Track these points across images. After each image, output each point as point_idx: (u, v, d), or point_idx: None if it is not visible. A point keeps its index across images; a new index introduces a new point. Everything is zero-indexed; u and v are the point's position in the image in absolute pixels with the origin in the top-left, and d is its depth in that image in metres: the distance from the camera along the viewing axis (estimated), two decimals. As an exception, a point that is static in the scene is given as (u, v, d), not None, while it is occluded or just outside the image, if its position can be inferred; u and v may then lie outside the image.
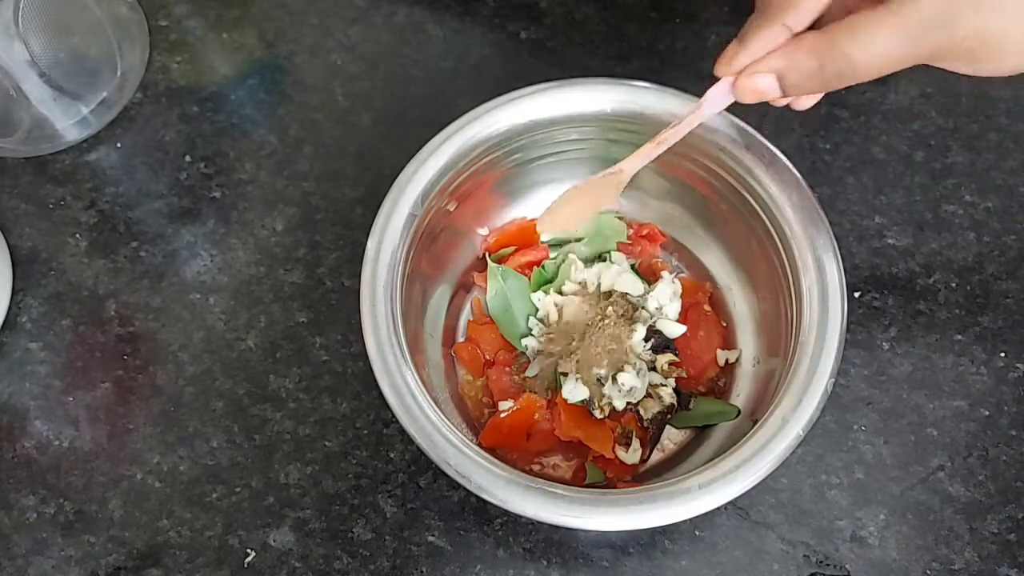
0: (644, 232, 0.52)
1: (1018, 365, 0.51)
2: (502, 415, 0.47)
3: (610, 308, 0.48)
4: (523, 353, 0.50)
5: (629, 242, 0.52)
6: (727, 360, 0.50)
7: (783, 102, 0.38)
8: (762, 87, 0.37)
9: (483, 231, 0.52)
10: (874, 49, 0.34)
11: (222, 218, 0.57)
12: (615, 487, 0.46)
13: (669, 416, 0.48)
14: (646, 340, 0.48)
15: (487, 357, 0.50)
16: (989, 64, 0.35)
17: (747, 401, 0.48)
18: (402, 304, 0.45)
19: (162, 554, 0.48)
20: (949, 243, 0.54)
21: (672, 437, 0.49)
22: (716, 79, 0.39)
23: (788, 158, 0.46)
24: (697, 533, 0.48)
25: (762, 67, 0.36)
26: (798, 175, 0.45)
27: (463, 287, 0.53)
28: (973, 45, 0.34)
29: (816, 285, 0.43)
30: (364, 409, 0.51)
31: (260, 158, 0.58)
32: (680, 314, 0.50)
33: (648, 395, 0.48)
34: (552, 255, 0.52)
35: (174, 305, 0.54)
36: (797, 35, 0.36)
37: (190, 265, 0.55)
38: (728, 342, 0.51)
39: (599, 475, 0.47)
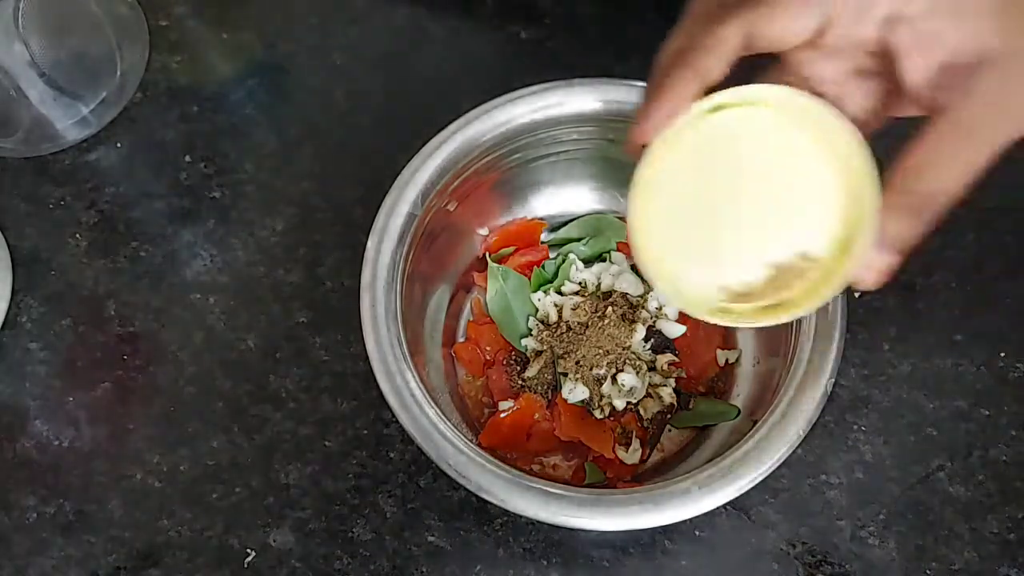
0: (644, 232, 0.52)
1: (1018, 365, 0.51)
2: (502, 415, 0.47)
3: (610, 308, 0.48)
4: (523, 353, 0.50)
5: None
6: (727, 360, 0.50)
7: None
8: (887, 264, 0.33)
9: (483, 231, 0.52)
10: (956, 170, 0.32)
11: (222, 218, 0.57)
12: (615, 487, 0.46)
13: (669, 416, 0.48)
14: (646, 340, 0.48)
15: (487, 357, 0.50)
16: None
17: (747, 401, 0.48)
18: (402, 304, 0.45)
19: (162, 554, 0.48)
20: (949, 243, 0.54)
21: (672, 437, 0.49)
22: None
23: (788, 158, 0.46)
24: (697, 533, 0.48)
25: (876, 256, 0.33)
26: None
27: (463, 287, 0.53)
28: None
29: (816, 285, 0.43)
30: (364, 409, 0.51)
31: (260, 158, 0.58)
32: (680, 314, 0.50)
33: (648, 395, 0.48)
34: (552, 255, 0.52)
35: (174, 305, 0.54)
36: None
37: (190, 265, 0.55)
38: (728, 342, 0.51)
39: (599, 475, 0.47)
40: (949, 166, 0.32)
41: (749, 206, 0.35)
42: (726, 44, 0.32)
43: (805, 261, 0.35)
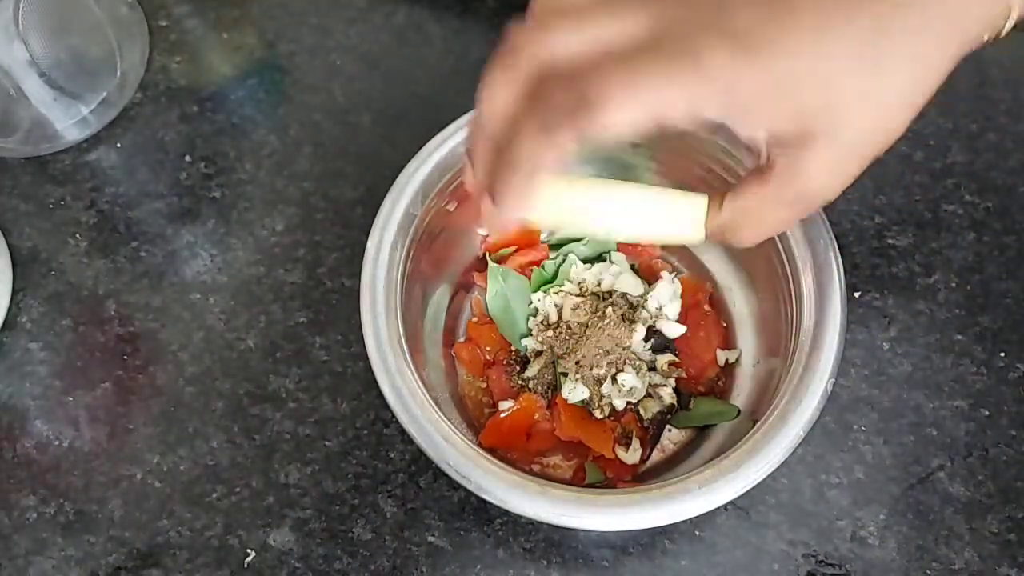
0: (644, 232, 0.52)
1: (1018, 365, 0.51)
2: (502, 415, 0.47)
3: (610, 308, 0.48)
4: (523, 353, 0.50)
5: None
6: (727, 360, 0.50)
7: None
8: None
9: (483, 231, 0.52)
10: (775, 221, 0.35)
11: (222, 218, 0.57)
12: (615, 487, 0.46)
13: (669, 416, 0.48)
14: (646, 340, 0.48)
15: (487, 357, 0.50)
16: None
17: (747, 401, 0.48)
18: (402, 304, 0.45)
19: (162, 554, 0.48)
20: (949, 243, 0.54)
21: (672, 437, 0.49)
22: None
23: (788, 158, 0.46)
24: (697, 533, 0.48)
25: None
26: (798, 175, 0.45)
27: (463, 287, 0.53)
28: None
29: (816, 285, 0.43)
30: (364, 409, 0.51)
31: (260, 158, 0.58)
32: (680, 314, 0.50)
33: (648, 395, 0.48)
34: (552, 255, 0.52)
35: (174, 305, 0.54)
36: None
37: (190, 265, 0.55)
38: (728, 342, 0.51)
39: (599, 475, 0.47)
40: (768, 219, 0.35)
41: None
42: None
43: None
